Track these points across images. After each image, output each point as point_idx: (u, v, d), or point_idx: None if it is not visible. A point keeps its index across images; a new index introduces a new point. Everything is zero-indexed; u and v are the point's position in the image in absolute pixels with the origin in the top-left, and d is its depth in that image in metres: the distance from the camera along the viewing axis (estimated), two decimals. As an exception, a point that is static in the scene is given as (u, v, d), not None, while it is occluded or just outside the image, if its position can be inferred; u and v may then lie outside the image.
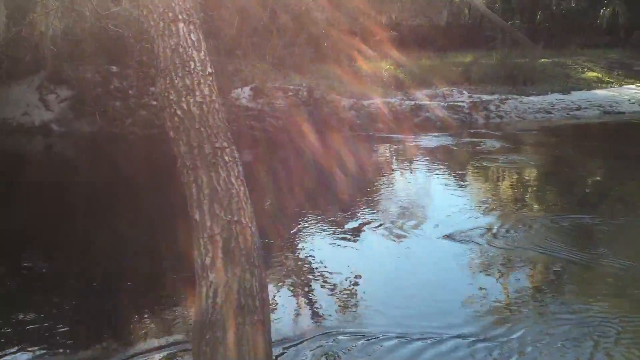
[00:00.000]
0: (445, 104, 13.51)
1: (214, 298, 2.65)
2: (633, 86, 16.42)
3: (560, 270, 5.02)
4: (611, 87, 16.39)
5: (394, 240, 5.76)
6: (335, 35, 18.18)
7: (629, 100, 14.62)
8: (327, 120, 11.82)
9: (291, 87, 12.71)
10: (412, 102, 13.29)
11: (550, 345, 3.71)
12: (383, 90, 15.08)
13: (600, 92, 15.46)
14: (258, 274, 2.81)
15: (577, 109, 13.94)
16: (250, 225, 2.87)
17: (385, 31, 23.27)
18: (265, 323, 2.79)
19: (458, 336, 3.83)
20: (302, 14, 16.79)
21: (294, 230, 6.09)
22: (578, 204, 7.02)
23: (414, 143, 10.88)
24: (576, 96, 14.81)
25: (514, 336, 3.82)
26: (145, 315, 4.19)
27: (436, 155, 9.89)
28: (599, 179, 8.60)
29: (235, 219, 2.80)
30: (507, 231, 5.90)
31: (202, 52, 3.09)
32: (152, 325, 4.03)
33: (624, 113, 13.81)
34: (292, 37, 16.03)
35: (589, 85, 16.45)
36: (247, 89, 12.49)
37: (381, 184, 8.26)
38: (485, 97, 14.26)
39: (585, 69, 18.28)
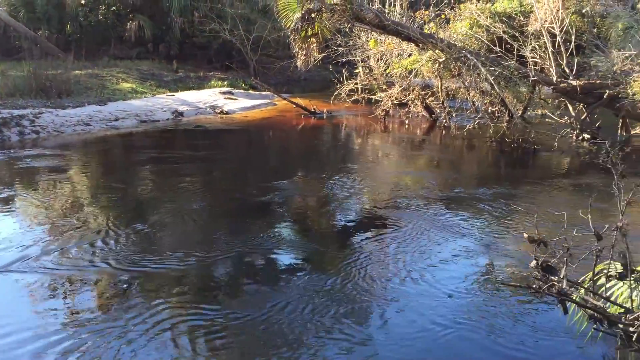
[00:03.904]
0: (-32, 122, 11.81)
1: None
2: (164, 95, 17.72)
3: (124, 283, 5.05)
4: (145, 97, 17.29)
5: None
6: None
7: (162, 108, 15.70)
8: None
9: None
10: None
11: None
12: None
13: (136, 102, 16.13)
14: None
15: (116, 120, 14.18)
16: None
17: None
18: None
19: None
20: None
21: None
22: (134, 214, 7.08)
23: None
24: (113, 107, 15.06)
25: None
26: None
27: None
28: (147, 185, 8.88)
29: None
30: (69, 251, 5.68)
31: None
32: None
33: (158, 121, 14.75)
34: None
35: (125, 95, 16.97)
36: None
37: None
38: (17, 112, 13.07)
39: (120, 80, 18.81)
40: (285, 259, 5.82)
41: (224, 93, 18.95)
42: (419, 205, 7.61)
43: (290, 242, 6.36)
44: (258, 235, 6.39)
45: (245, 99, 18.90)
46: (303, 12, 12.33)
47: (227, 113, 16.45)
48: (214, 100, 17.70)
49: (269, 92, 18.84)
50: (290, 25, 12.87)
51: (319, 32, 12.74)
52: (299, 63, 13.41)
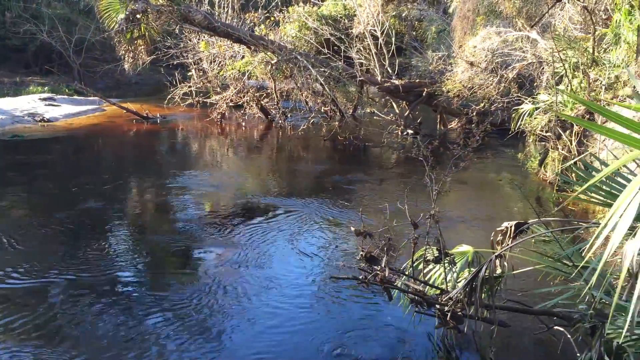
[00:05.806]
0: None
1: None
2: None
3: None
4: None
5: None
6: None
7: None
8: None
9: None
10: None
11: None
12: None
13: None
14: None
15: None
16: None
17: None
18: None
19: None
20: None
21: None
22: None
23: None
24: None
25: None
26: None
27: None
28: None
29: None
30: None
31: None
32: None
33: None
34: None
35: None
36: None
37: None
38: None
39: None
40: (124, 273, 5.49)
41: (45, 99, 17.41)
42: (258, 206, 7.67)
43: (130, 255, 6.00)
44: (88, 250, 5.96)
45: (69, 105, 17.53)
46: (127, 12, 11.76)
47: (49, 121, 15.16)
48: (33, 107, 16.19)
49: (96, 97, 17.70)
50: (114, 27, 12.20)
51: (146, 33, 12.23)
52: (126, 66, 12.78)
